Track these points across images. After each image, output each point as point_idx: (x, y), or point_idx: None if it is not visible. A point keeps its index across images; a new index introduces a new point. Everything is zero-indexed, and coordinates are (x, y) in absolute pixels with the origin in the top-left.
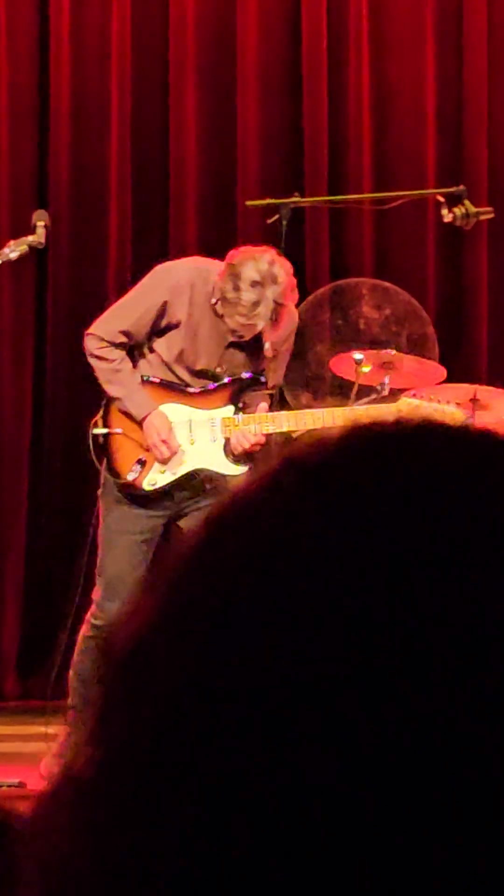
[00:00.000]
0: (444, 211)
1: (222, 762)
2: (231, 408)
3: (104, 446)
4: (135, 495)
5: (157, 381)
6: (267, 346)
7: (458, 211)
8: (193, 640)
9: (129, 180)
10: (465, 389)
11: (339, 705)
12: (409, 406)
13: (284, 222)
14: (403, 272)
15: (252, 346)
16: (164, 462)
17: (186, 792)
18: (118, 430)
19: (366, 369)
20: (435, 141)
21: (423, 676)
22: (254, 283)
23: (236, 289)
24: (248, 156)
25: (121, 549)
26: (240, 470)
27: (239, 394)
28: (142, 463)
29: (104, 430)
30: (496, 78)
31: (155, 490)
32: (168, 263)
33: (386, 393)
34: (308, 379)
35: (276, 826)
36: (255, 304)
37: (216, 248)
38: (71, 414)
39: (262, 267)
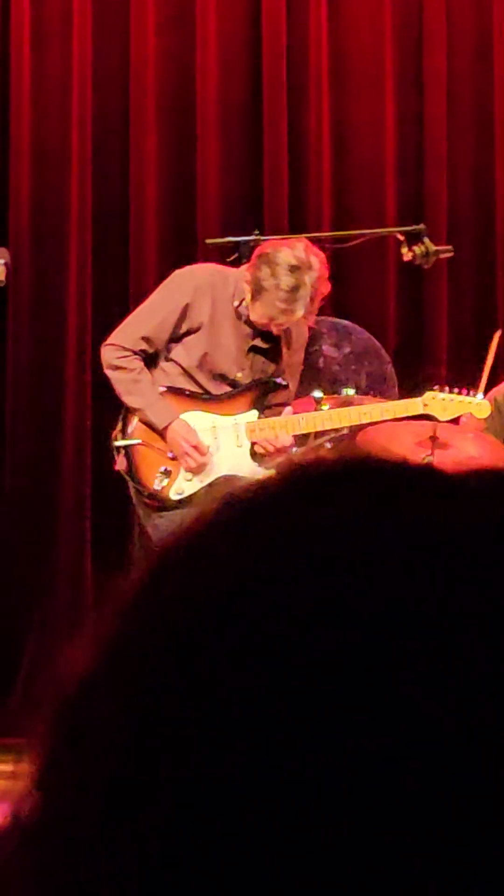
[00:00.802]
0: (404, 249)
1: (164, 808)
2: (254, 412)
3: (127, 459)
4: (163, 506)
5: (175, 390)
6: (285, 351)
7: (417, 249)
8: (134, 684)
9: (90, 218)
10: (424, 427)
11: (277, 741)
12: (433, 399)
13: (244, 260)
14: (363, 310)
15: (272, 352)
16: (197, 469)
17: (132, 839)
18: (139, 441)
19: (325, 408)
20: (395, 179)
21: (359, 715)
22: (292, 268)
23: (274, 275)
24: (208, 194)
25: None
26: (268, 474)
27: (262, 397)
28: (167, 473)
29: (125, 442)
30: (455, 117)
31: (182, 499)
32: (186, 267)
33: (345, 431)
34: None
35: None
36: (294, 288)
37: None
38: (33, 446)
39: (299, 254)
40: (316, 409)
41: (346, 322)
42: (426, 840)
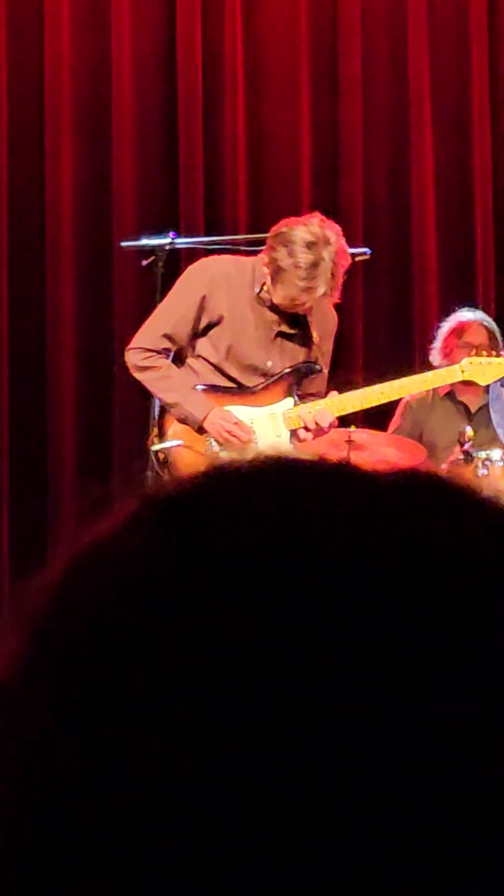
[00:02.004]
0: None
1: (85, 811)
2: (290, 400)
3: (165, 462)
4: None
5: (206, 387)
6: (315, 335)
7: None
8: (50, 687)
9: (5, 220)
10: (339, 432)
11: (197, 742)
12: (470, 364)
13: (160, 264)
14: None
15: (300, 336)
16: (245, 447)
17: (50, 842)
18: (179, 443)
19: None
20: (310, 182)
21: (278, 713)
22: (309, 245)
23: (291, 254)
24: (124, 196)
25: None
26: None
27: (296, 384)
28: None
29: (164, 445)
30: (371, 121)
31: None
32: (201, 260)
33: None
34: None
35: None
36: (314, 265)
37: (93, 288)
38: None
39: (314, 229)
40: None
41: None
42: (424, 840)
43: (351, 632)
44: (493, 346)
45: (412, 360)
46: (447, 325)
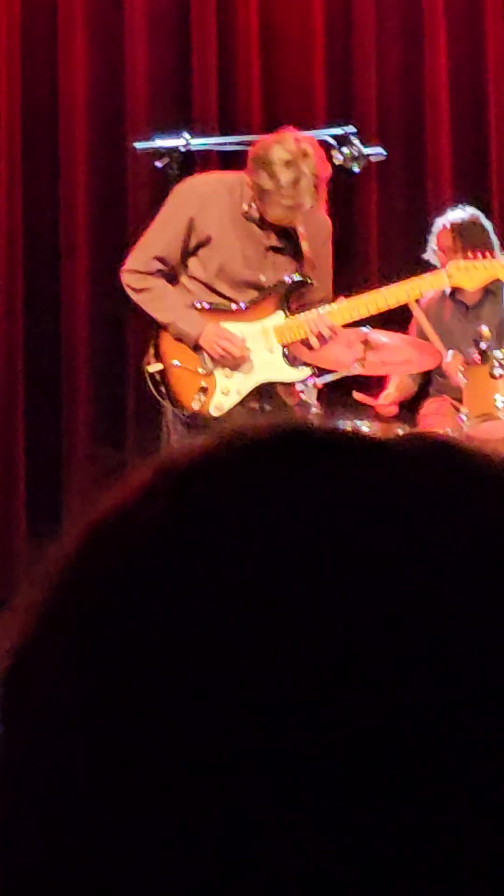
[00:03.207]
0: (334, 152)
1: (104, 776)
2: (281, 314)
3: (162, 382)
4: (204, 424)
5: (200, 306)
6: (305, 244)
7: (347, 152)
8: (68, 654)
9: (18, 121)
10: (355, 332)
11: (206, 715)
12: (456, 269)
13: (175, 165)
14: None
15: (291, 249)
16: (239, 363)
17: (68, 810)
18: (175, 363)
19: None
20: (324, 80)
21: (293, 684)
22: (287, 163)
23: (272, 175)
24: (137, 97)
25: None
26: (303, 374)
27: (286, 298)
28: (204, 390)
29: (160, 366)
30: (384, 15)
31: (223, 414)
32: (188, 179)
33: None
34: None
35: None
36: (295, 181)
37: (106, 190)
38: None
39: (290, 146)
40: None
41: None
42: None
43: (364, 604)
44: (484, 245)
45: (427, 260)
46: (439, 225)
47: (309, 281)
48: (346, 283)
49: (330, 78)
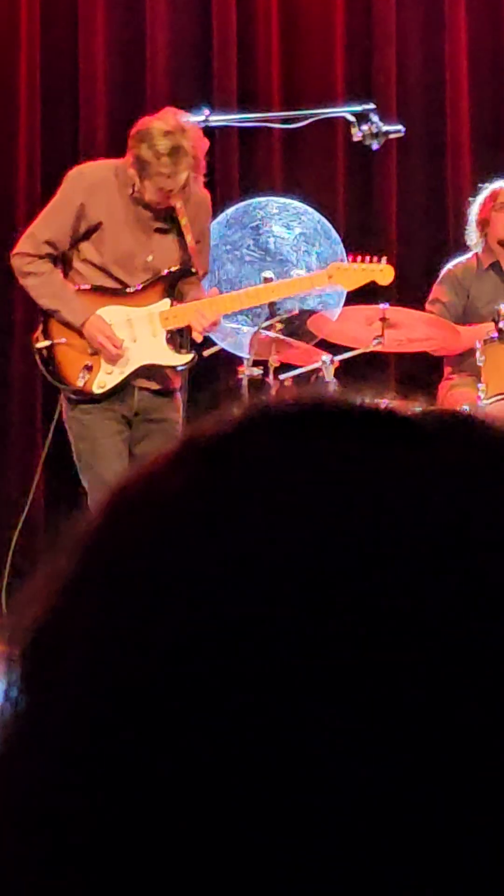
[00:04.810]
0: (354, 129)
1: (126, 749)
2: (167, 300)
3: (49, 359)
4: (88, 400)
5: (89, 287)
6: (184, 220)
7: (367, 129)
8: (92, 625)
9: (39, 101)
10: (374, 309)
11: (232, 684)
12: (337, 270)
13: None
14: (313, 191)
15: (175, 231)
16: (114, 359)
17: (95, 781)
18: (62, 340)
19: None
20: (343, 57)
21: (316, 649)
22: (166, 133)
23: (151, 146)
24: (157, 73)
25: (111, 451)
26: (185, 359)
27: (172, 286)
28: (88, 369)
29: (47, 343)
30: None
31: (105, 392)
32: (79, 166)
33: (296, 312)
34: None
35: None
36: (174, 150)
37: None
38: None
39: (169, 120)
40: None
41: (296, 203)
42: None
43: (391, 579)
44: None
45: (446, 234)
46: (484, 194)
47: (193, 270)
48: (370, 252)
49: (349, 55)
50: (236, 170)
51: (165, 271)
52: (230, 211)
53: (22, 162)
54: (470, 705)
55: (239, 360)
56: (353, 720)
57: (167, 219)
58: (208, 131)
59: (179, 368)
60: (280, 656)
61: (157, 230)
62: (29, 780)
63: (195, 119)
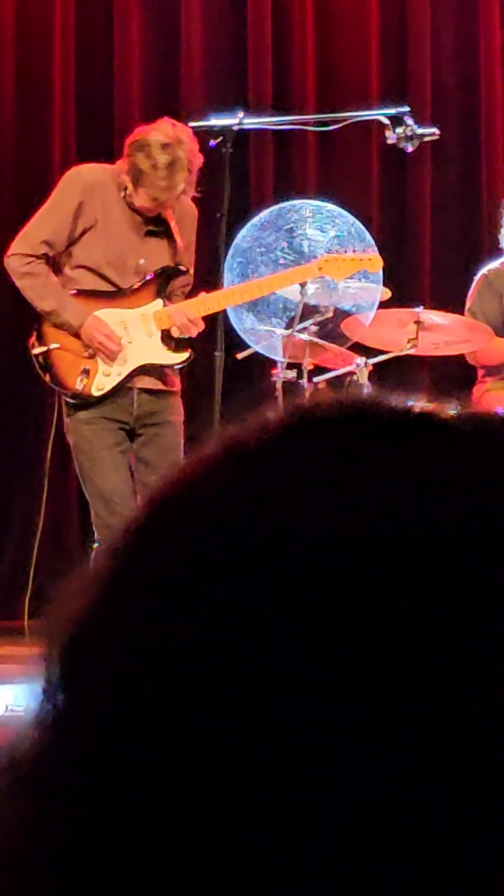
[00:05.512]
0: (388, 132)
1: (163, 751)
2: (160, 301)
3: (46, 365)
4: (87, 404)
5: (83, 293)
6: (178, 240)
7: (401, 132)
8: (130, 624)
9: (73, 104)
10: (408, 312)
11: (268, 683)
12: (326, 262)
13: (229, 144)
14: (347, 194)
15: (165, 233)
16: (115, 356)
17: (127, 780)
18: (56, 346)
19: (311, 291)
20: (378, 60)
21: (354, 653)
22: (164, 146)
23: (149, 156)
24: (192, 75)
25: (108, 464)
26: (182, 357)
27: (164, 286)
28: (86, 372)
29: (44, 349)
30: None
31: (104, 394)
32: (76, 167)
33: (330, 314)
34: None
35: (215, 821)
36: (171, 164)
37: None
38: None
39: (167, 131)
40: (301, 293)
41: (330, 205)
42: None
43: (433, 584)
44: None
45: (480, 237)
46: None
47: (184, 269)
48: (401, 263)
49: (384, 57)
50: (270, 172)
51: (152, 274)
52: (264, 214)
53: (56, 164)
54: (471, 706)
55: (273, 363)
56: (354, 720)
57: (158, 222)
58: (242, 134)
59: (177, 367)
60: (313, 649)
61: (149, 233)
62: (59, 779)
63: (225, 121)
